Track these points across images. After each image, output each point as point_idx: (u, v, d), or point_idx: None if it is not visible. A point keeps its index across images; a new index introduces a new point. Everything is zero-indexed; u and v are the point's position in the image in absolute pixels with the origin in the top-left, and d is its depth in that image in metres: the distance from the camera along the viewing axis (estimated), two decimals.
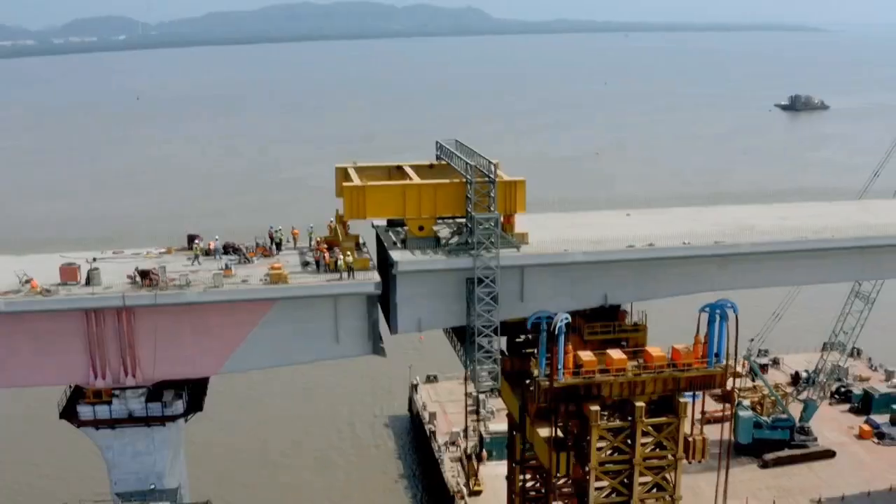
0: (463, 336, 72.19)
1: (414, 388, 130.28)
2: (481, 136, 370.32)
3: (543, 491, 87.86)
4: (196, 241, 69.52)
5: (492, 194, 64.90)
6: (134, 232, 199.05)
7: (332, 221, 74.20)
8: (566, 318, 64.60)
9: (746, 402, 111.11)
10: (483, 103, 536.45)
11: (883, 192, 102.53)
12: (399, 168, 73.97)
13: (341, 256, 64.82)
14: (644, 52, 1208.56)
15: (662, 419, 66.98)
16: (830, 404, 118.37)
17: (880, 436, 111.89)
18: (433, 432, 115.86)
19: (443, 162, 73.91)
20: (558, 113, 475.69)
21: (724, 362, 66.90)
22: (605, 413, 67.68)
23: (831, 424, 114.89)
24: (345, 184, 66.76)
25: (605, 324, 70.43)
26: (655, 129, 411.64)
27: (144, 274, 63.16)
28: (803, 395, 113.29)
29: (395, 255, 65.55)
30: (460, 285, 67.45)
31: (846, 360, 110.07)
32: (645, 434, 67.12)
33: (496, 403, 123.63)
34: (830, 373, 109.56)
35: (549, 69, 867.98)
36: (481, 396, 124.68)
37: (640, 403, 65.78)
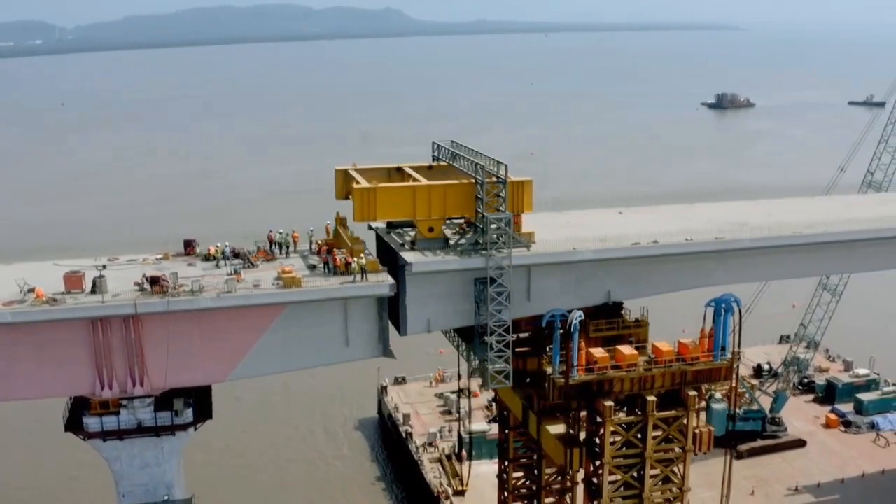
0: (467, 336, 72.49)
1: (383, 390, 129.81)
2: (410, 137, 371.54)
3: (535, 488, 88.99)
4: (216, 245, 68.45)
5: (502, 195, 65.13)
6: (95, 238, 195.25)
7: (329, 224, 74.00)
8: (580, 316, 65.23)
9: (718, 395, 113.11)
10: (409, 105, 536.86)
11: (844, 188, 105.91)
12: (399, 169, 73.74)
13: (354, 259, 64.30)
14: (565, 52, 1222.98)
15: (672, 412, 67.94)
16: (794, 395, 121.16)
17: (847, 424, 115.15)
18: (409, 434, 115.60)
19: (442, 163, 73.90)
20: (487, 114, 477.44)
21: (730, 355, 68.18)
22: (615, 408, 68.27)
23: (798, 415, 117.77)
24: (355, 186, 66.24)
25: (609, 321, 71.08)
26: (587, 129, 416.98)
27: (154, 280, 61.80)
28: (773, 387, 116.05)
29: (408, 256, 65.32)
30: (468, 285, 67.57)
31: (814, 352, 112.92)
32: (655, 427, 67.96)
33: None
34: (799, 364, 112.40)
35: (473, 70, 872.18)
36: (453, 397, 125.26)
37: (651, 398, 66.69)
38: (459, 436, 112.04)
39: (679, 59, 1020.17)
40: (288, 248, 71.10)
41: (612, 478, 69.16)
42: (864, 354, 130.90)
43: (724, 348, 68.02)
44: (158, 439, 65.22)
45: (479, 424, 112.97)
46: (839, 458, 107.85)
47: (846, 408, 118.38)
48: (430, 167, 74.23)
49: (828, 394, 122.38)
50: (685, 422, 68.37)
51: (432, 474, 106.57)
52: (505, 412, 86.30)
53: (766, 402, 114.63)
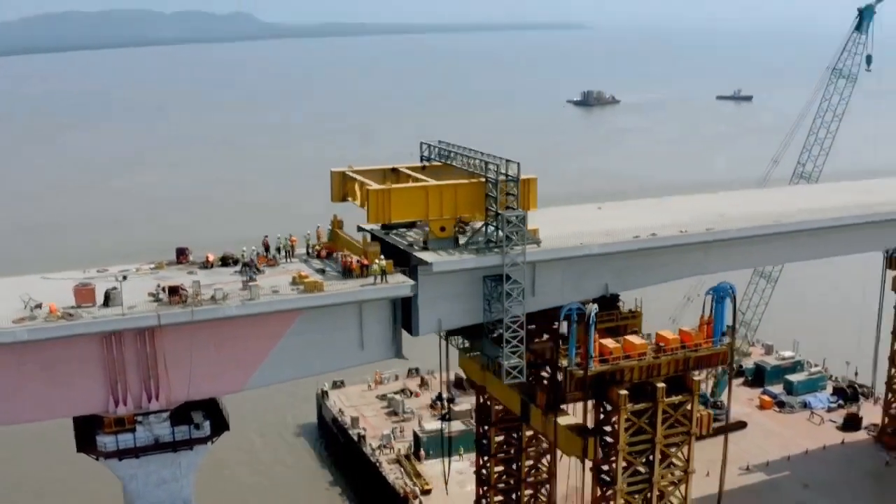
0: (473, 334, 73.06)
1: (324, 394, 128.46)
2: (294, 141, 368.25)
3: (512, 482, 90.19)
4: (243, 250, 66.78)
5: (514, 192, 65.91)
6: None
7: (319, 227, 73.35)
8: (596, 309, 66.68)
9: None
10: (269, 110, 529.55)
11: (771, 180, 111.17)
12: (394, 170, 73.64)
13: (377, 262, 63.88)
14: (414, 53, 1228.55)
15: (678, 398, 70.16)
16: None
17: (780, 405, 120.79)
18: (363, 436, 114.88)
19: (435, 163, 74.10)
20: (354, 118, 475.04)
21: (729, 340, 71.02)
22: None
23: (732, 398, 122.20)
24: (370, 188, 65.79)
25: (608, 312, 72.81)
26: (469, 127, 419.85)
27: (174, 290, 59.90)
28: (712, 372, 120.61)
29: (427, 256, 65.37)
30: (476, 284, 68.11)
31: (752, 337, 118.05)
32: (663, 413, 70.05)
33: (414, 404, 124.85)
34: (736, 349, 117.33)
35: (331, 72, 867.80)
36: (398, 398, 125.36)
37: (661, 385, 68.73)
38: (416, 435, 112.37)
39: (536, 58, 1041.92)
40: (288, 252, 70.02)
41: (622, 464, 70.81)
42: (783, 338, 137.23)
43: (723, 334, 70.70)
44: (176, 454, 63.13)
45: (435, 423, 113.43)
46: (780, 438, 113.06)
47: (776, 389, 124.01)
48: (423, 167, 74.27)
49: (757, 376, 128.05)
50: (689, 407, 70.67)
51: (394, 475, 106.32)
52: (486, 407, 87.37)
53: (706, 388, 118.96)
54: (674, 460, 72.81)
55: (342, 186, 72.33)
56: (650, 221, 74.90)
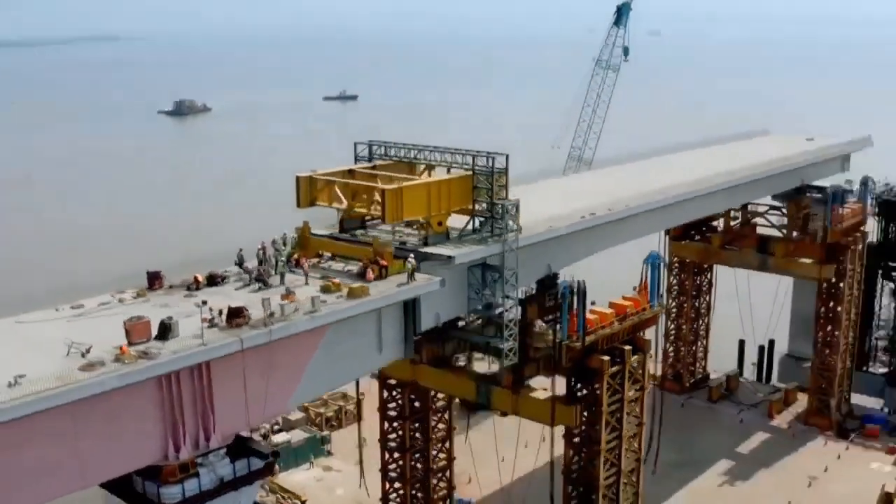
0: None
1: None
2: None
3: (417, 476, 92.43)
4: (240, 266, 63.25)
5: (504, 183, 69.25)
6: None
7: (285, 234, 70.78)
8: (584, 284, 72.50)
9: None
10: None
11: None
12: (351, 171, 73.15)
13: (408, 261, 63.96)
14: None
15: (637, 357, 77.77)
16: None
17: None
18: None
19: (387, 161, 74.77)
20: None
21: (664, 303, 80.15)
22: None
23: None
24: (385, 188, 65.40)
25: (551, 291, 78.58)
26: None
27: (237, 312, 55.88)
28: None
29: (445, 250, 66.66)
30: (461, 275, 70.46)
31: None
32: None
33: None
34: None
35: None
36: None
37: (627, 348, 75.96)
38: (275, 452, 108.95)
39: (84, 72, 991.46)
40: (266, 262, 67.07)
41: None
42: None
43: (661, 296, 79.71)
44: (237, 493, 58.72)
45: (282, 436, 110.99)
46: None
47: None
48: (374, 166, 74.53)
49: None
50: (641, 365, 78.72)
51: (259, 495, 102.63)
52: (396, 404, 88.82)
53: None
54: (633, 416, 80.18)
55: (309, 192, 70.65)
56: (571, 203, 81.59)
